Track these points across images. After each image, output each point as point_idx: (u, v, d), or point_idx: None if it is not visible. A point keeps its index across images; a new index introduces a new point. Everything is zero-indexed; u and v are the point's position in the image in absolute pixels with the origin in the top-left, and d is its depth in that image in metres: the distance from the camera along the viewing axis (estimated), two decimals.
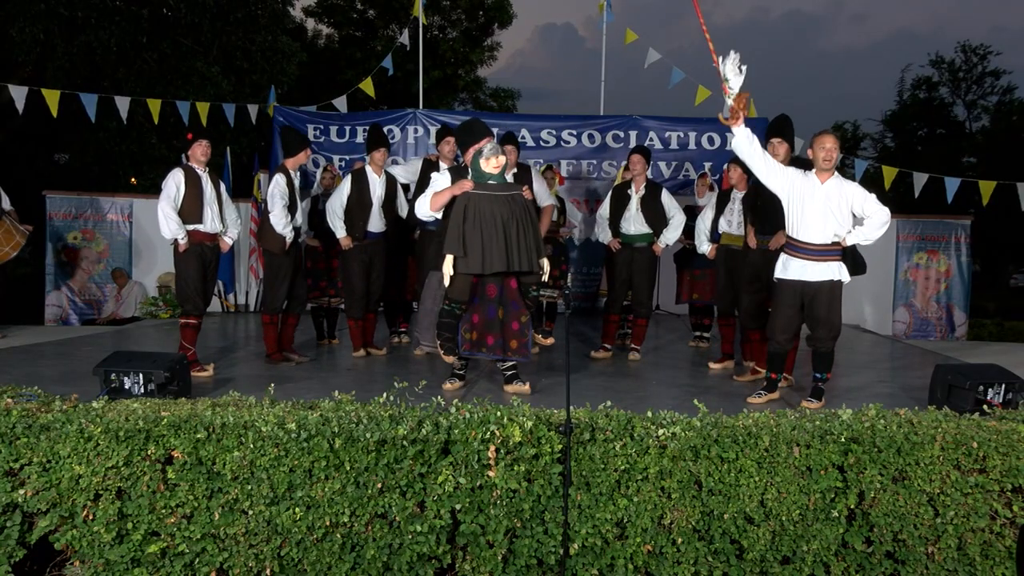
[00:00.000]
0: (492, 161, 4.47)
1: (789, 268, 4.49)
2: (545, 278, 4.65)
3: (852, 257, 4.45)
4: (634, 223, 5.99)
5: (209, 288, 5.42)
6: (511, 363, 4.78)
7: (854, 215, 4.41)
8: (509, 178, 4.70)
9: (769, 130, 5.22)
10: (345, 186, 5.92)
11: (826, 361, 4.56)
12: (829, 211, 4.36)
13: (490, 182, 4.49)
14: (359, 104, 12.08)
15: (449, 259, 4.49)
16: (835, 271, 4.42)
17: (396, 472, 3.09)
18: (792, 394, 4.89)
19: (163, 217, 5.04)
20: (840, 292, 4.49)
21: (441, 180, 5.65)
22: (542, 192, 5.98)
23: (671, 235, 6.04)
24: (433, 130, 9.21)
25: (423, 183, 5.71)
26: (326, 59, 19.42)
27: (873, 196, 4.37)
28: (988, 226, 17.46)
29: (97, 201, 9.57)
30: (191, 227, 5.16)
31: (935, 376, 4.35)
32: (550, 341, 5.33)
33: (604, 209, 6.23)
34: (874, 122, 27.69)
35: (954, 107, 26.16)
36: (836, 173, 4.41)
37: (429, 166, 6.17)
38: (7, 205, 7.07)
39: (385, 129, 9.05)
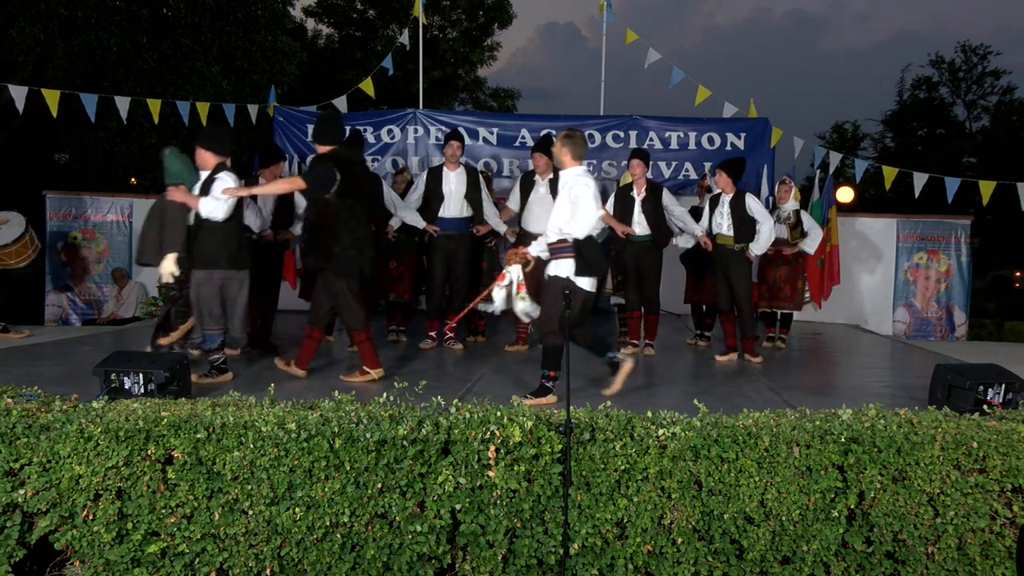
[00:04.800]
0: None
1: None
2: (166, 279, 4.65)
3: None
4: (639, 226, 6.15)
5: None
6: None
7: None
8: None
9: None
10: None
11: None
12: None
13: None
14: (359, 104, 12.05)
15: None
16: None
17: (396, 472, 3.09)
18: (791, 392, 4.88)
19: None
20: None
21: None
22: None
23: (682, 241, 6.36)
24: (433, 130, 9.23)
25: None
26: (326, 59, 19.39)
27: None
28: (988, 226, 17.43)
29: (97, 201, 9.56)
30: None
31: (935, 376, 4.35)
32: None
33: (608, 206, 6.33)
34: (874, 122, 27.64)
35: (954, 107, 26.14)
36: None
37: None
38: None
39: (385, 129, 9.14)
